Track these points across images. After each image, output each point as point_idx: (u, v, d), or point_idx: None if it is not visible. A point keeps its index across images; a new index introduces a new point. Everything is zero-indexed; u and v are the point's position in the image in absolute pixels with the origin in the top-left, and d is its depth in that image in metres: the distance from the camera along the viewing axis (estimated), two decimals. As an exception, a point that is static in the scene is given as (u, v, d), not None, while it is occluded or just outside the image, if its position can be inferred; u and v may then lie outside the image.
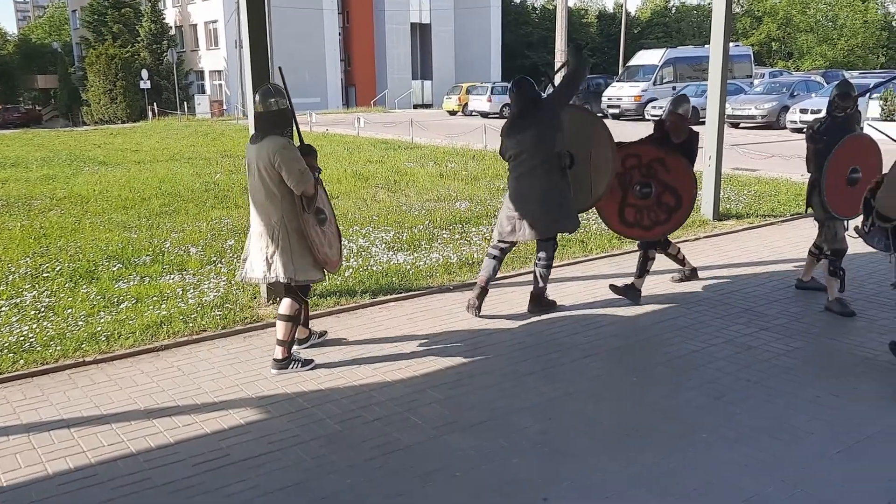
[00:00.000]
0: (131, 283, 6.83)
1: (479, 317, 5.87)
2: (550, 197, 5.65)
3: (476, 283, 6.01)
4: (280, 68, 5.10)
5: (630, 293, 6.27)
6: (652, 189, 6.08)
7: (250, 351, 5.29)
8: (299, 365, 4.94)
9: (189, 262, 7.52)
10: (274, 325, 5.70)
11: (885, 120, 19.15)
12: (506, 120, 5.99)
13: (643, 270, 6.31)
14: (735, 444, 3.87)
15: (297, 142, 4.90)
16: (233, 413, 4.32)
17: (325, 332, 5.50)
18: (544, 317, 5.91)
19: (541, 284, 6.00)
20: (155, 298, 6.34)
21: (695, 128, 6.36)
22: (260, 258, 4.73)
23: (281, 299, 4.95)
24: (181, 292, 6.51)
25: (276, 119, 4.69)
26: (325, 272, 5.03)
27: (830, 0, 58.52)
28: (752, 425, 4.07)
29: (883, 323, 5.58)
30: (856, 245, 6.11)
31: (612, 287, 6.35)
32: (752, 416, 4.18)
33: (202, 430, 4.13)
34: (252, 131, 5.92)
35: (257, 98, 4.74)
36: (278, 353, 4.91)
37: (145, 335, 5.48)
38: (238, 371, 4.93)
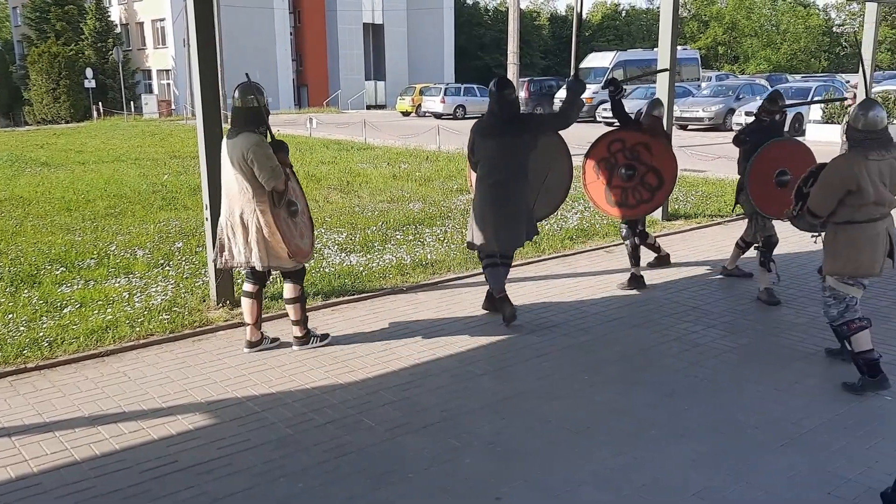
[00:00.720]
0: (75, 287, 6.65)
1: (431, 319, 5.87)
2: (522, 209, 5.72)
3: (496, 297, 5.83)
4: (248, 74, 5.18)
5: (635, 283, 6.66)
6: (635, 171, 6.36)
7: (199, 355, 5.19)
8: (318, 340, 5.34)
9: (136, 266, 7.36)
10: (224, 328, 5.69)
11: (827, 123, 19.74)
12: (481, 118, 5.84)
13: (637, 259, 6.74)
14: (683, 439, 3.94)
15: (268, 138, 4.98)
16: (181, 418, 4.24)
17: (278, 339, 5.43)
18: (497, 317, 5.93)
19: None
20: (100, 303, 6.18)
21: None
22: (238, 246, 4.95)
23: (246, 294, 5.20)
24: (127, 296, 6.37)
25: (251, 115, 4.88)
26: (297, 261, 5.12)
27: (774, 6, 60.17)
28: (700, 421, 4.15)
29: (824, 319, 5.74)
30: (795, 245, 6.29)
31: (621, 286, 6.69)
32: (700, 412, 4.26)
33: (149, 436, 4.04)
34: (200, 130, 5.88)
35: (237, 93, 4.90)
36: (296, 331, 5.27)
37: (90, 340, 5.34)
38: (186, 376, 4.84)
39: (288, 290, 5.16)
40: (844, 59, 59.68)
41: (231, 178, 4.86)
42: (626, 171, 6.37)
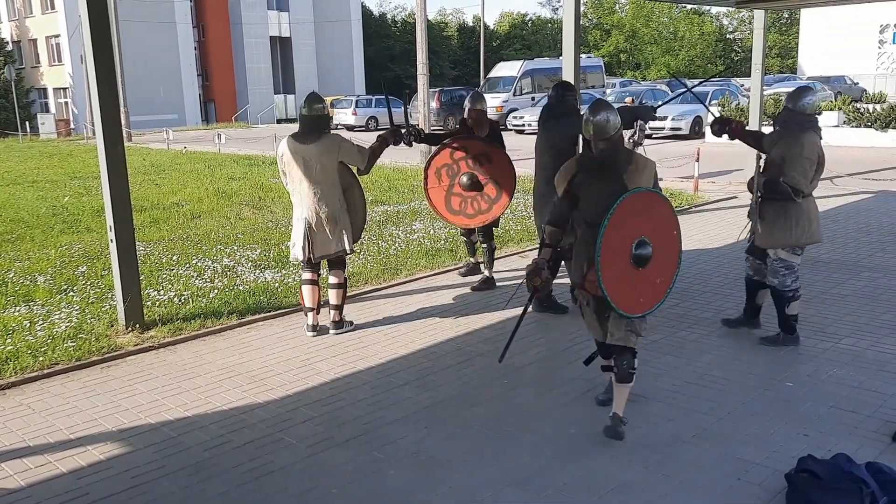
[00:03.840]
0: (-29, 318, 6.30)
1: (350, 331, 5.84)
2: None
3: None
4: (382, 80, 5.96)
5: (486, 284, 6.98)
6: (476, 180, 6.50)
7: (108, 382, 5.00)
8: (349, 325, 5.90)
9: (36, 292, 7.02)
10: (134, 353, 5.52)
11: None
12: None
13: (474, 250, 7.26)
14: (600, 436, 4.03)
15: None
16: (91, 449, 4.07)
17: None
18: (416, 325, 5.94)
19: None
20: (-1, 333, 5.88)
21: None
22: (328, 237, 5.63)
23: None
24: (28, 325, 6.07)
25: (322, 121, 5.62)
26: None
27: (671, 14, 62.63)
28: (616, 417, 4.26)
29: (729, 313, 6.01)
30: (699, 242, 6.54)
31: (473, 288, 6.96)
32: (616, 409, 4.37)
33: (57, 469, 3.86)
34: (101, 149, 5.69)
35: (305, 103, 5.63)
36: (335, 315, 5.82)
37: (-11, 373, 5.07)
38: (95, 404, 4.65)
39: (335, 276, 5.78)
40: (739, 64, 62.55)
41: (319, 177, 5.51)
42: (467, 179, 6.45)
